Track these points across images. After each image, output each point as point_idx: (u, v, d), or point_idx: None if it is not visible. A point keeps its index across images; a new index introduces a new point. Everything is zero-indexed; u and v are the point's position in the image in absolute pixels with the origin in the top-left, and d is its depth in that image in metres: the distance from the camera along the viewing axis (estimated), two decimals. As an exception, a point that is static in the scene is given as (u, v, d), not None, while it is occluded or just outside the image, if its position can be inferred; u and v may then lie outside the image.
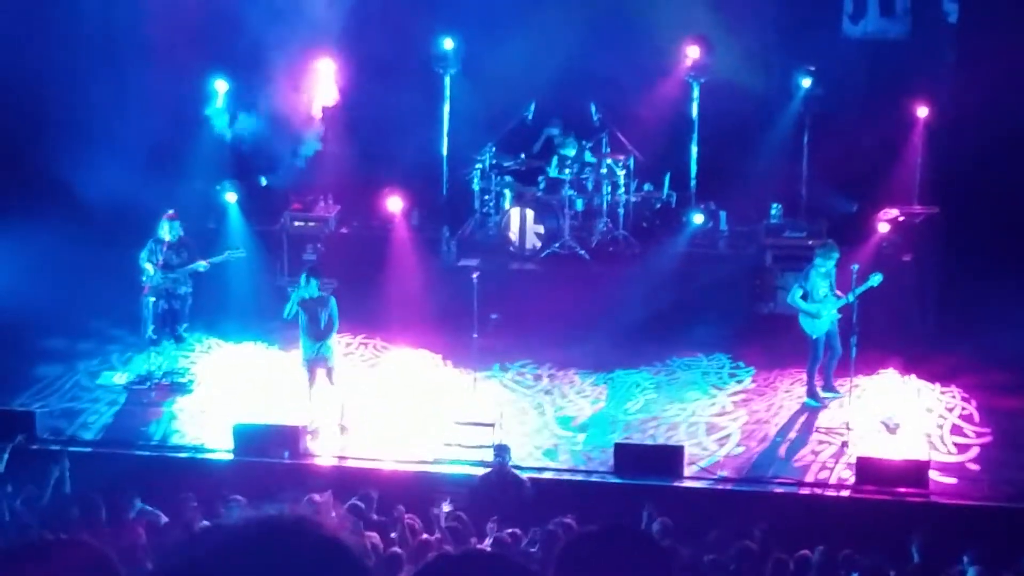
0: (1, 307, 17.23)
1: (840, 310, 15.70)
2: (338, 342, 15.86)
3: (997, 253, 17.56)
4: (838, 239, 16.57)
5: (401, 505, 12.67)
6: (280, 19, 19.08)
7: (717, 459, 14.92)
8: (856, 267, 15.53)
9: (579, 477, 14.67)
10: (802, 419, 15.85)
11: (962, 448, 15.07)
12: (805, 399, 16.17)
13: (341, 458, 15.04)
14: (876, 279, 15.39)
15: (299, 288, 15.52)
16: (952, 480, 14.35)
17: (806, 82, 19.36)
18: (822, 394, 16.10)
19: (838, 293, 15.70)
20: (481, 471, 14.24)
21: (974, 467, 14.65)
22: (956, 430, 15.49)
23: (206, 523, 11.31)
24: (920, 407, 16.07)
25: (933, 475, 14.18)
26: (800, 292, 15.76)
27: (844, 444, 15.04)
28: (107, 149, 18.77)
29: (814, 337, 15.81)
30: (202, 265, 17.09)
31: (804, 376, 16.31)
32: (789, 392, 16.57)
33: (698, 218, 19.07)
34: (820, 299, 15.69)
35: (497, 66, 19.30)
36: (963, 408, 16.00)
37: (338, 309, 15.46)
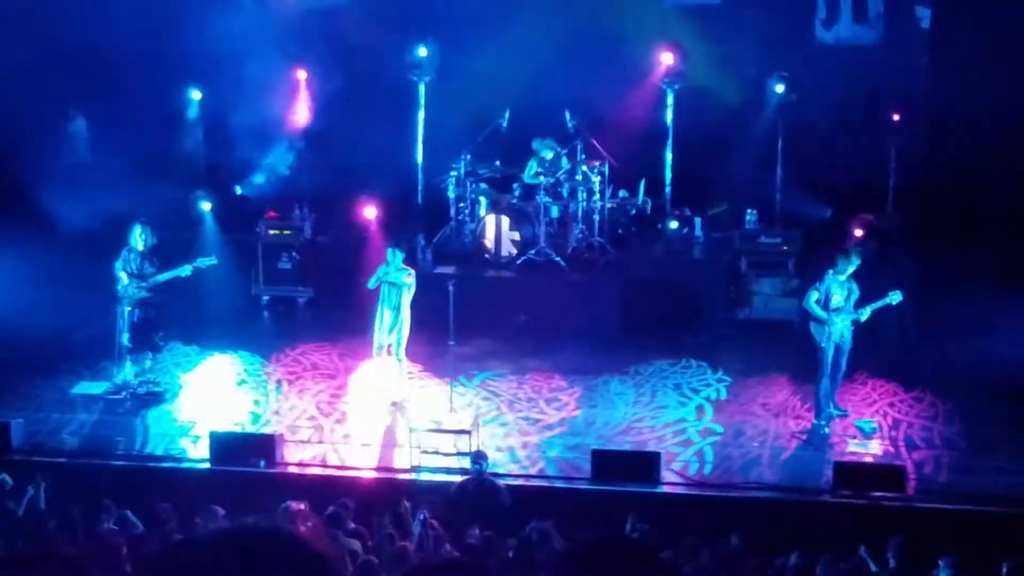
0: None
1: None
2: (409, 317, 16.25)
3: (970, 258, 17.64)
4: (812, 245, 16.57)
5: (378, 513, 12.63)
6: (254, 29, 19.05)
7: (694, 464, 14.94)
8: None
9: (556, 484, 14.67)
10: (779, 424, 15.87)
11: (937, 453, 15.11)
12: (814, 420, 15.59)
13: (318, 466, 15.00)
14: (895, 296, 15.14)
15: (386, 263, 16.12)
16: (927, 485, 14.39)
17: (779, 88, 19.44)
18: (831, 411, 15.55)
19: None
20: (459, 479, 14.23)
21: (949, 472, 14.70)
22: (931, 435, 15.54)
23: (182, 534, 11.25)
24: (895, 412, 16.12)
25: (908, 480, 14.22)
26: (815, 296, 15.23)
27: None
28: (80, 158, 18.68)
29: (822, 345, 15.22)
30: (175, 273, 16.97)
31: (786, 381, 16.27)
32: (765, 397, 16.60)
33: (673, 224, 19.11)
34: (833, 308, 15.16)
35: (472, 73, 19.32)
36: (937, 413, 16.06)
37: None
